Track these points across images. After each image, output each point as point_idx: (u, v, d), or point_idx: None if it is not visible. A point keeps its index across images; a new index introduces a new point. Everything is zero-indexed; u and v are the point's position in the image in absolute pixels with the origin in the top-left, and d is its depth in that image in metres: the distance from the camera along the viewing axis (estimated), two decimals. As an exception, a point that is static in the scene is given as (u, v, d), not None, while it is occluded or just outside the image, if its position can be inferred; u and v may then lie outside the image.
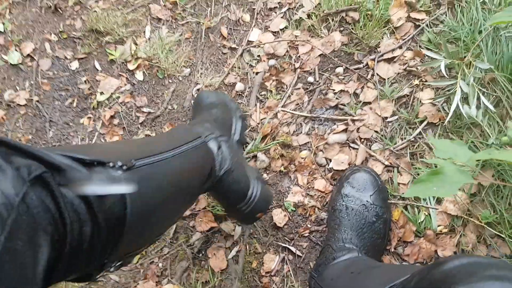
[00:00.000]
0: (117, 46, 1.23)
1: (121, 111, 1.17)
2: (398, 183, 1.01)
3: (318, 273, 0.90)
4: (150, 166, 0.60)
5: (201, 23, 1.25)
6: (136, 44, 1.23)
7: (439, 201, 0.95)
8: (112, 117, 1.16)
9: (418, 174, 0.99)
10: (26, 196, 0.41)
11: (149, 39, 1.24)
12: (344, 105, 1.10)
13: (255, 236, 1.02)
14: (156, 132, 1.14)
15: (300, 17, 1.20)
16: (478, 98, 1.00)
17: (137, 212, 0.54)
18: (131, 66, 1.21)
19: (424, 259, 0.92)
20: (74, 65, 1.22)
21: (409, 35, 1.16)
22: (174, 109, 1.16)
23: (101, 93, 1.19)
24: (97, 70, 1.21)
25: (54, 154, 0.48)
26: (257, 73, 1.17)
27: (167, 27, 1.26)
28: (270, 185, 1.05)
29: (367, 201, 0.94)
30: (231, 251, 1.01)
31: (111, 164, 0.53)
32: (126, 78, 1.20)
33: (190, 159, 0.76)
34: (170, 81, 1.19)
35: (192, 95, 1.17)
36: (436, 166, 0.53)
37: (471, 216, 0.92)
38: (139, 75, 1.20)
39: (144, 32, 1.25)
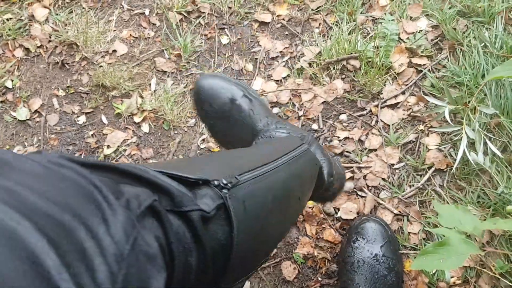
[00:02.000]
0: (123, 99, 1.24)
1: (128, 164, 1.17)
2: (409, 233, 0.99)
3: None
4: (254, 180, 0.54)
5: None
6: (142, 97, 1.25)
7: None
8: (118, 170, 1.17)
9: (429, 224, 0.98)
10: (135, 242, 0.36)
11: (154, 91, 1.25)
12: (350, 153, 1.09)
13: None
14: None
15: (302, 66, 1.22)
16: (485, 144, 0.99)
17: (244, 233, 0.49)
18: (137, 119, 1.22)
19: (438, 313, 0.90)
20: (81, 119, 1.23)
21: (411, 81, 1.17)
22: (180, 160, 1.16)
23: (108, 146, 1.19)
24: (104, 123, 1.23)
25: (160, 174, 0.44)
26: (261, 123, 1.17)
27: (172, 79, 1.28)
28: (278, 236, 1.04)
29: (378, 252, 0.92)
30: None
31: (215, 183, 0.47)
32: (133, 130, 1.22)
33: (296, 169, 0.69)
34: (176, 132, 1.20)
35: (197, 145, 1.17)
36: (443, 236, 0.52)
37: (484, 267, 0.90)
38: (145, 127, 1.21)
39: (150, 85, 1.27)
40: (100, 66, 1.28)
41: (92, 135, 1.22)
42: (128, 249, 0.35)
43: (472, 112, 1.05)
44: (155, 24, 1.38)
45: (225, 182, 0.48)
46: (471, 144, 1.01)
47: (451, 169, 1.03)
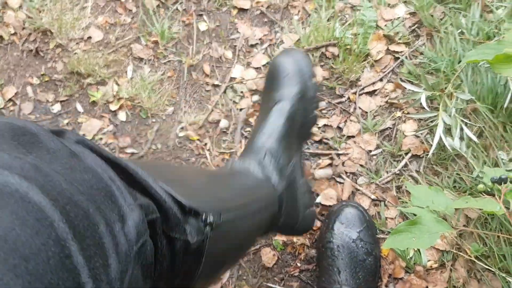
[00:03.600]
0: (99, 87, 1.22)
1: (105, 153, 1.16)
2: (386, 218, 1.00)
3: None
4: (231, 223, 0.59)
5: (183, 62, 1.25)
6: (118, 84, 1.23)
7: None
8: (95, 159, 1.15)
9: (404, 208, 0.99)
10: (143, 245, 0.38)
11: (131, 79, 1.23)
12: (328, 140, 1.10)
13: (244, 278, 1.00)
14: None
15: (281, 53, 1.21)
16: (461, 129, 1.00)
17: (206, 266, 0.52)
18: (113, 107, 1.20)
19: (415, 296, 0.91)
20: (56, 108, 1.21)
21: (389, 68, 1.17)
22: (158, 148, 1.15)
23: (83, 135, 1.17)
24: (79, 112, 1.20)
25: (163, 191, 0.45)
26: (241, 110, 1.16)
27: (149, 66, 1.26)
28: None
29: (356, 237, 0.93)
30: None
31: (203, 217, 0.50)
32: (109, 119, 1.20)
33: (262, 216, 0.76)
34: (154, 120, 1.19)
35: (176, 134, 1.16)
36: (414, 215, 0.52)
37: (461, 250, 0.91)
38: (121, 116, 1.20)
39: (126, 72, 1.25)
40: (75, 53, 1.25)
41: (67, 123, 1.19)
42: (135, 251, 0.36)
43: (449, 98, 1.06)
44: (131, 10, 1.35)
45: (211, 220, 0.50)
46: (448, 130, 1.03)
47: (428, 154, 1.04)
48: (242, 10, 1.32)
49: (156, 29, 1.28)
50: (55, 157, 0.37)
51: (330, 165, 1.07)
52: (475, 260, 0.89)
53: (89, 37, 1.29)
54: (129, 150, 1.16)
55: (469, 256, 0.89)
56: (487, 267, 0.87)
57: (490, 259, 0.88)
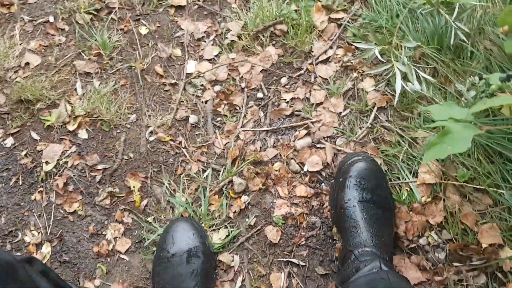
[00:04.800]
0: (50, 110, 1.15)
1: (74, 175, 1.09)
2: (372, 168, 1.04)
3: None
4: None
5: (133, 67, 1.21)
6: (70, 103, 1.16)
7: (415, 175, 1.01)
8: (65, 184, 1.07)
9: (386, 156, 1.04)
10: None
11: (83, 95, 1.17)
12: (300, 111, 1.13)
13: (255, 259, 0.99)
14: (118, 187, 1.07)
15: (232, 40, 1.22)
16: (417, 74, 1.08)
17: None
18: (71, 127, 1.13)
19: (419, 231, 0.96)
20: (9, 141, 1.11)
21: (335, 35, 1.23)
22: (131, 158, 1.10)
23: (47, 162, 1.09)
24: (36, 140, 1.12)
25: None
26: (206, 102, 1.16)
27: (98, 79, 1.20)
28: (252, 205, 1.03)
29: (373, 193, 0.92)
30: (236, 283, 0.97)
31: None
32: (69, 140, 1.12)
33: None
34: (119, 131, 1.14)
35: (146, 139, 1.12)
36: (443, 128, 0.56)
37: (448, 179, 0.98)
38: (82, 134, 1.13)
39: (76, 89, 1.18)
40: (17, 82, 1.16)
41: (25, 155, 1.11)
42: None
43: (397, 50, 1.14)
44: (64, 29, 1.29)
45: None
46: (404, 78, 1.10)
47: (392, 104, 1.11)
48: (179, 8, 1.31)
49: (96, 41, 1.24)
50: None
51: (307, 134, 1.09)
52: (464, 184, 0.96)
53: (27, 63, 1.21)
54: (100, 167, 1.10)
55: (458, 182, 0.96)
56: (476, 187, 0.95)
57: (476, 181, 0.96)
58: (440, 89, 1.07)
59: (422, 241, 0.96)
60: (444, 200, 0.97)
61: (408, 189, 1.00)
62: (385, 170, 1.03)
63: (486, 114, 0.97)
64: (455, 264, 0.92)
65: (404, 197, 0.99)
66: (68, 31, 1.28)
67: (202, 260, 0.90)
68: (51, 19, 1.30)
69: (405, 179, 1.00)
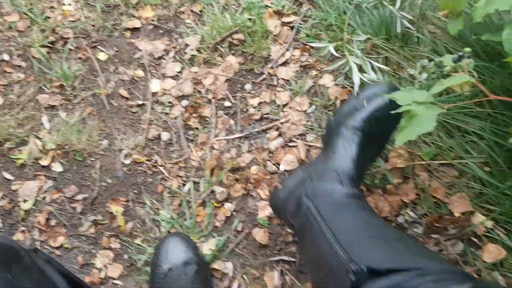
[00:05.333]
0: (20, 148, 1.14)
1: (54, 210, 1.08)
2: (344, 159, 1.10)
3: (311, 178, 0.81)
4: None
5: (98, 94, 1.22)
6: (40, 138, 1.15)
7: (386, 160, 1.07)
8: (47, 219, 1.07)
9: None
10: None
11: (51, 128, 1.17)
12: (268, 114, 1.17)
13: (247, 263, 1.02)
14: (101, 215, 1.07)
15: (192, 55, 1.25)
16: (371, 64, 1.15)
17: None
18: (44, 162, 1.13)
19: (396, 210, 1.02)
20: (-19, 185, 1.10)
21: (289, 37, 1.28)
22: (109, 183, 1.11)
23: (24, 201, 1.08)
24: (9, 180, 1.11)
25: None
26: (176, 118, 1.18)
27: (64, 110, 1.20)
28: (237, 211, 1.06)
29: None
30: (232, 288, 1.00)
31: None
32: (45, 175, 1.12)
33: None
34: (93, 159, 1.14)
35: (122, 163, 1.13)
36: (409, 111, 0.61)
37: (415, 160, 1.05)
38: (57, 167, 1.13)
39: (43, 124, 1.18)
40: (-21, 124, 1.15)
41: (1, 197, 1.09)
42: None
43: (349, 44, 1.20)
44: (21, 65, 1.28)
45: None
46: (360, 70, 1.16)
47: (352, 94, 1.17)
48: (135, 30, 1.33)
49: (56, 73, 1.23)
50: (29, 274, 0.54)
51: (279, 135, 1.14)
52: (431, 162, 1.03)
53: (-13, 104, 1.19)
54: (79, 197, 1.10)
55: (424, 161, 1.03)
56: (441, 163, 1.02)
57: (440, 156, 1.03)
58: (394, 76, 1.14)
59: (400, 219, 1.02)
60: (414, 179, 1.04)
61: (382, 175, 1.05)
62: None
63: (440, 93, 1.04)
64: (433, 236, 0.99)
65: (377, 181, 1.05)
66: (25, 67, 1.27)
67: (198, 270, 0.92)
68: (6, 57, 1.29)
69: (379, 166, 1.06)
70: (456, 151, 1.01)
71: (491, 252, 0.94)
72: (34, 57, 1.27)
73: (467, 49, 0.68)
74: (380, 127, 0.84)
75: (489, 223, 0.96)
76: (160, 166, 1.12)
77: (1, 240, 0.56)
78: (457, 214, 0.98)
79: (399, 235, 0.72)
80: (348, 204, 0.74)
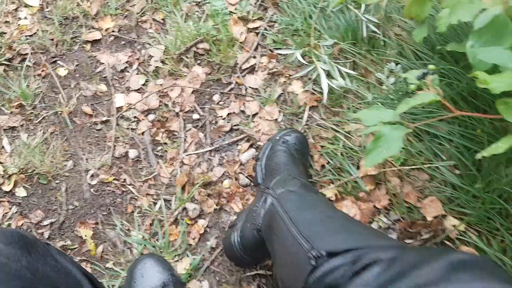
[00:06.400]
0: (-21, 174, 1.08)
1: (20, 237, 1.04)
2: (315, 164, 1.09)
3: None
4: None
5: (59, 112, 1.17)
6: (1, 162, 1.10)
7: (358, 168, 1.06)
8: (12, 248, 1.02)
9: (327, 153, 1.09)
10: None
11: (12, 151, 1.12)
12: (238, 125, 1.15)
13: (223, 280, 1.00)
14: (70, 239, 1.04)
15: (156, 66, 1.22)
16: (338, 70, 1.14)
17: None
18: (7, 187, 1.08)
19: (370, 217, 1.02)
20: None
21: (255, 44, 1.26)
22: (77, 206, 1.07)
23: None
24: (-31, 208, 1.06)
25: None
26: (143, 133, 1.14)
27: (25, 131, 1.15)
28: (211, 227, 1.04)
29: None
30: (209, 307, 0.98)
31: None
32: (8, 201, 1.07)
33: None
34: (58, 181, 1.10)
35: (88, 184, 1.09)
36: (373, 134, 0.61)
37: (386, 166, 1.05)
38: (20, 192, 1.08)
39: (3, 147, 1.13)
40: None
41: (-39, 227, 1.04)
42: None
43: (316, 49, 1.19)
44: (-25, 84, 1.21)
45: None
46: (328, 75, 1.15)
47: (321, 101, 1.16)
48: (95, 42, 1.28)
49: (14, 92, 1.18)
50: (46, 261, 0.61)
51: (250, 146, 1.12)
52: (401, 167, 1.03)
53: None
54: (46, 222, 1.06)
55: (395, 166, 1.03)
56: (412, 167, 1.02)
57: (410, 160, 1.03)
58: (362, 80, 1.13)
59: (374, 225, 1.02)
60: (386, 184, 1.04)
61: (354, 182, 1.05)
62: (328, 163, 1.07)
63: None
64: (407, 241, 0.99)
65: (349, 189, 1.05)
66: (-20, 86, 1.21)
67: None
68: (-41, 76, 1.22)
69: (351, 174, 1.06)
70: (426, 155, 1.01)
71: (465, 256, 0.95)
72: (-10, 76, 1.22)
73: (431, 66, 0.67)
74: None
75: (462, 226, 0.97)
76: (129, 185, 1.09)
77: (17, 230, 0.64)
78: (429, 218, 0.98)
79: (357, 223, 0.78)
80: (309, 200, 0.82)
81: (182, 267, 1.00)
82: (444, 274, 0.43)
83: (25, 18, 1.31)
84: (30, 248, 0.60)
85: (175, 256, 1.01)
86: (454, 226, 0.97)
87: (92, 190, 1.09)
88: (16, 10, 1.34)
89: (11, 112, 1.17)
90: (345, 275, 0.54)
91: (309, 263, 0.60)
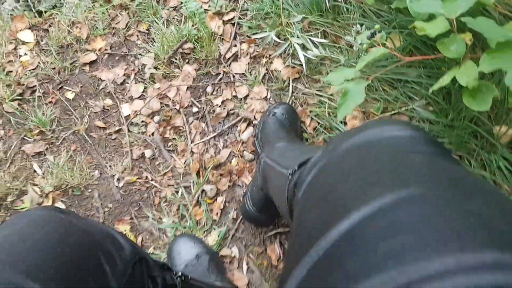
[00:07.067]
0: (22, 198, 1.24)
1: (69, 244, 1.20)
2: (307, 127, 1.23)
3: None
4: None
5: (76, 131, 1.32)
6: (36, 185, 1.26)
7: (345, 124, 1.20)
8: (65, 254, 1.18)
9: (316, 115, 1.23)
10: (134, 265, 0.65)
11: (43, 173, 1.27)
12: (233, 109, 1.29)
13: (249, 243, 1.16)
14: (111, 236, 1.20)
15: (151, 73, 1.36)
16: (312, 41, 1.27)
17: None
18: (47, 204, 1.23)
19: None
20: (-3, 240, 1.20)
21: (233, 34, 1.39)
22: (111, 207, 1.23)
23: (40, 243, 1.19)
24: (21, 229, 1.21)
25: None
26: (152, 134, 1.29)
27: (50, 154, 1.30)
28: (229, 202, 1.19)
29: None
30: (243, 268, 1.14)
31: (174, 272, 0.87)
32: (51, 216, 1.23)
33: None
34: (90, 190, 1.25)
35: (117, 187, 1.25)
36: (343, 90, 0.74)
37: (369, 117, 1.19)
38: (60, 206, 1.24)
39: (35, 171, 1.28)
40: (-22, 187, 1.24)
41: (17, 246, 1.20)
42: (130, 269, 0.64)
43: (289, 27, 1.31)
44: (-3, 122, 1.36)
45: (180, 275, 0.84)
46: (303, 48, 1.28)
47: (302, 72, 1.29)
48: (92, 63, 1.42)
49: (32, 122, 1.33)
50: (78, 217, 0.65)
51: (248, 124, 1.26)
52: (383, 115, 1.17)
53: (-21, 167, 1.28)
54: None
55: (377, 115, 1.17)
56: (392, 113, 1.16)
57: (390, 107, 1.17)
58: (334, 46, 1.26)
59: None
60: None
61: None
62: (319, 124, 1.21)
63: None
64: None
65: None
66: (2, 123, 1.35)
67: (210, 258, 1.06)
68: (-19, 119, 1.37)
69: (340, 130, 1.20)
70: (402, 99, 1.15)
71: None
72: (8, 112, 1.36)
73: (377, 26, 0.80)
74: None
75: (442, 155, 1.11)
76: (151, 180, 1.24)
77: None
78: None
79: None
80: (292, 148, 0.99)
81: (212, 239, 1.15)
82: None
83: (25, 54, 1.45)
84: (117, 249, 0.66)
85: (204, 232, 1.16)
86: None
87: (121, 191, 1.24)
88: (15, 49, 1.47)
89: (34, 140, 1.32)
90: (305, 172, 0.66)
91: (288, 178, 0.73)
